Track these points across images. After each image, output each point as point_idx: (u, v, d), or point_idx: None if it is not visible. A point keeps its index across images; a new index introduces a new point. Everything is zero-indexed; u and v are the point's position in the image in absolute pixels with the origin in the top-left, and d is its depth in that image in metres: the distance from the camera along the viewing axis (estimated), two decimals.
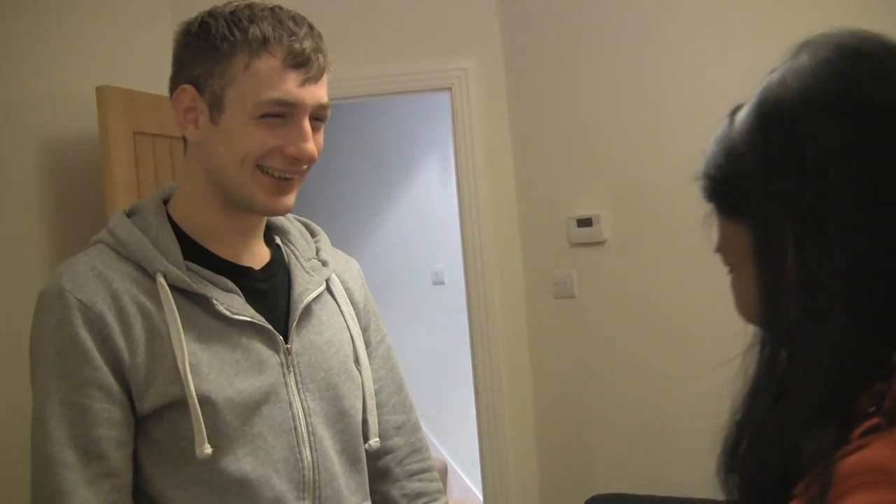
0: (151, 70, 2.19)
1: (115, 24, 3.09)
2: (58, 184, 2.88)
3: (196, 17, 1.27)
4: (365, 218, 5.63)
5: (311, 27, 1.27)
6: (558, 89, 3.30)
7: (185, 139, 1.31)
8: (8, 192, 2.75)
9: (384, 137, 5.49)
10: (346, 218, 5.67)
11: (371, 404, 1.42)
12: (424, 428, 5.29)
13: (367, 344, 1.48)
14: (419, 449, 1.55)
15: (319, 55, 1.25)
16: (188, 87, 1.25)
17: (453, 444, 5.22)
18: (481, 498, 3.61)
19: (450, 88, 3.43)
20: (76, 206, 2.88)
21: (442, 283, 5.22)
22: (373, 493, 1.50)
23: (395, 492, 1.51)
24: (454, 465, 5.23)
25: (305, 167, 1.28)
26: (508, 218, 3.42)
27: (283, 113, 1.23)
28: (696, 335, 3.05)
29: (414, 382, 5.95)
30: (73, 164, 2.92)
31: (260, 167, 1.24)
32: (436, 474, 1.57)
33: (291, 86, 1.22)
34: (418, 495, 1.52)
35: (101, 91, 2.78)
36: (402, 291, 5.44)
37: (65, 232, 2.84)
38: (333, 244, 1.51)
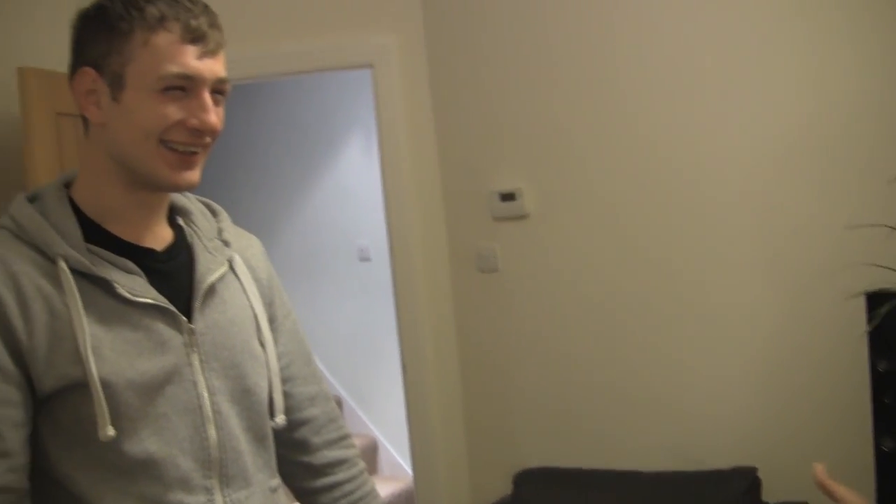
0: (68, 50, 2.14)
1: (30, 4, 3.00)
2: None
3: (93, 2, 1.29)
4: (290, 195, 5.59)
5: (205, 6, 1.30)
6: (480, 64, 3.31)
7: (84, 122, 1.32)
8: None
9: (307, 114, 5.45)
10: (271, 196, 5.62)
11: (276, 381, 1.44)
12: (354, 405, 5.27)
13: (273, 319, 1.50)
14: (334, 418, 1.58)
15: (215, 31, 1.29)
16: (88, 70, 1.27)
17: (383, 420, 5.24)
18: (411, 474, 3.64)
19: (371, 65, 3.40)
20: None
21: (368, 259, 5.21)
22: (292, 465, 1.54)
23: (315, 462, 1.55)
24: (384, 442, 5.25)
25: (209, 140, 1.30)
26: (432, 193, 3.43)
27: (183, 86, 1.26)
28: (617, 308, 3.11)
29: (342, 360, 5.89)
30: None
31: (164, 142, 1.26)
32: (352, 441, 1.62)
33: (190, 59, 1.25)
34: (339, 462, 1.57)
35: (21, 72, 2.71)
36: (328, 269, 5.42)
37: None
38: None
